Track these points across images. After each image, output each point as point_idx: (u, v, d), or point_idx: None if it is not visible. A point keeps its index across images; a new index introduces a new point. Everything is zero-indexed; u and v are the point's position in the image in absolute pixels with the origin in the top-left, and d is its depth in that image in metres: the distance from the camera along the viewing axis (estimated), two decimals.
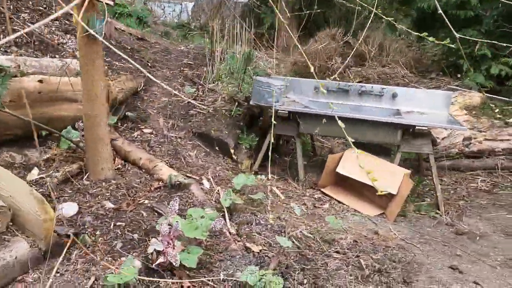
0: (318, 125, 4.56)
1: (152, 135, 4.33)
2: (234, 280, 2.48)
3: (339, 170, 4.42)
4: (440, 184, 5.16)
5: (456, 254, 3.40)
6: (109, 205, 2.94)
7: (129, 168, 3.62)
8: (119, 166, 3.63)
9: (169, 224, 2.51)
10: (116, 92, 4.11)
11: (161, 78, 5.77)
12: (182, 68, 6.29)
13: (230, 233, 3.06)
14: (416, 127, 4.20)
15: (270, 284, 2.39)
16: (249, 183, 3.69)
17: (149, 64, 6.16)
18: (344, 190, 4.56)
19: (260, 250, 2.94)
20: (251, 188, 4.02)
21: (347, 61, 7.46)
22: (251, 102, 4.72)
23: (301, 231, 3.21)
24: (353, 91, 5.07)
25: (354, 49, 6.77)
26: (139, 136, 4.23)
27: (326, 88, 5.13)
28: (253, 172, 4.71)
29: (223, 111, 4.84)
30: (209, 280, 2.47)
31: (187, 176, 3.71)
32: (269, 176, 4.54)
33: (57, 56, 4.44)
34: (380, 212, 4.21)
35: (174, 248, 2.41)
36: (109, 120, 4.08)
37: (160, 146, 4.17)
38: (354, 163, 4.39)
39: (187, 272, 2.49)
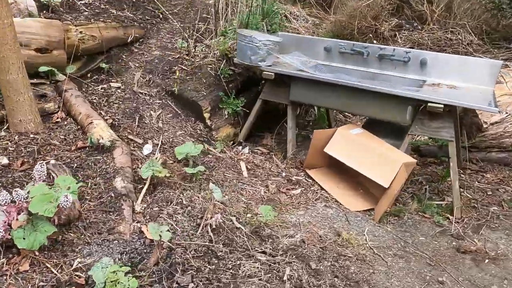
0: (311, 92, 3.71)
1: (118, 90, 3.89)
2: (85, 272, 1.97)
3: (327, 149, 3.58)
4: (478, 182, 4.04)
5: (437, 281, 2.47)
6: (3, 160, 2.58)
7: (67, 123, 3.24)
8: (59, 120, 3.27)
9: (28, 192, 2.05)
10: (76, 38, 3.70)
11: (166, 31, 5.27)
12: (196, 22, 5.70)
13: (134, 211, 2.53)
14: (428, 104, 3.15)
15: (117, 285, 1.83)
16: (194, 152, 3.08)
17: (161, 16, 5.68)
18: (335, 175, 3.72)
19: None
20: (208, 160, 3.41)
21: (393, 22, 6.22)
22: (234, 60, 4.01)
23: (223, 220, 2.55)
24: (371, 54, 4.05)
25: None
26: (102, 90, 3.82)
27: (340, 49, 4.18)
28: (231, 142, 4.07)
29: (209, 68, 4.20)
30: (53, 266, 1.99)
31: (127, 139, 3.22)
32: (244, 149, 3.89)
33: None
34: (368, 208, 3.33)
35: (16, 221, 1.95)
36: (67, 69, 3.72)
37: (120, 102, 3.72)
38: (347, 143, 3.51)
39: (36, 252, 2.04)
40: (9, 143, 2.77)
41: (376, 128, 3.72)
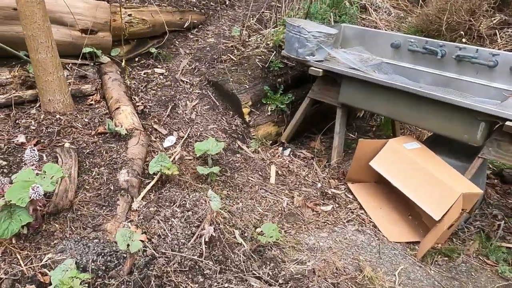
0: (363, 94, 3.20)
1: (161, 76, 3.77)
2: (53, 269, 1.82)
3: (373, 163, 3.05)
4: None
5: None
6: (21, 139, 2.58)
7: (99, 106, 3.20)
8: (93, 102, 3.24)
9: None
10: (124, 21, 3.64)
11: (228, 18, 5.06)
12: (263, 10, 5.40)
13: (130, 208, 2.35)
14: (506, 123, 2.45)
15: None
16: (215, 150, 2.80)
17: (227, 3, 5.49)
18: (383, 194, 3.18)
19: (149, 239, 2.15)
20: (234, 160, 3.13)
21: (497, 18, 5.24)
22: (282, 53, 3.62)
23: (223, 232, 2.24)
24: (447, 54, 3.36)
25: None
26: (144, 75, 3.74)
27: (410, 47, 3.56)
28: (271, 142, 3.72)
29: (257, 60, 3.88)
30: (24, 258, 1.88)
31: (151, 128, 3.07)
32: (284, 151, 3.52)
33: None
34: (412, 240, 2.76)
35: None
36: (112, 51, 3.70)
37: (159, 89, 3.60)
38: (398, 159, 2.96)
39: (13, 240, 1.95)
40: (33, 122, 2.78)
41: (441, 144, 3.07)
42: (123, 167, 2.52)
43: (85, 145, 2.71)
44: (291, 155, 3.62)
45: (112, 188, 2.37)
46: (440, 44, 3.40)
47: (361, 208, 3.00)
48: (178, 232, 2.23)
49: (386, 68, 3.67)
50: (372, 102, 3.17)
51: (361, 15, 5.77)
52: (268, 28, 4.58)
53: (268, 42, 4.11)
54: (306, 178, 3.23)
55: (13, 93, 2.93)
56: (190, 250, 2.13)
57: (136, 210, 2.33)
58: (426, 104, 2.84)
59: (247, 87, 3.68)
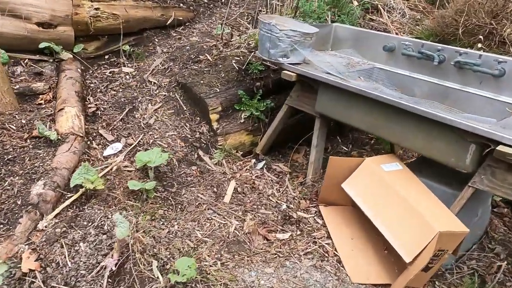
0: (340, 104, 2.76)
1: (127, 76, 3.47)
2: None
3: (345, 185, 2.60)
4: None
5: None
6: None
7: (47, 106, 2.92)
8: (42, 101, 2.97)
9: None
10: (88, 15, 3.36)
11: (219, 16, 4.72)
12: (261, 9, 5.02)
13: (35, 227, 2.03)
14: (497, 148, 1.95)
15: None
16: (157, 162, 2.44)
17: (223, 0, 5.15)
18: (359, 220, 2.71)
19: (43, 268, 1.82)
20: (187, 174, 2.76)
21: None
22: (256, 53, 3.22)
23: (131, 262, 1.87)
24: (446, 60, 2.86)
25: None
26: (109, 74, 3.45)
27: (404, 50, 3.07)
28: (241, 153, 3.32)
29: (234, 61, 3.49)
30: None
31: (96, 133, 2.76)
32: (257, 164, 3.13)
33: None
34: (381, 283, 2.29)
35: None
36: (75, 47, 3.42)
37: (120, 90, 3.29)
38: (373, 182, 2.50)
39: None
40: None
41: (429, 167, 2.58)
42: (42, 178, 2.21)
43: (11, 150, 2.42)
44: (264, 169, 3.21)
45: (19, 202, 2.06)
46: (438, 48, 2.90)
47: (329, 237, 2.56)
48: (81, 261, 1.88)
49: (378, 75, 3.20)
50: (350, 113, 2.71)
51: (371, 16, 5.28)
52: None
53: (250, 42, 3.72)
54: (270, 197, 2.82)
55: None
56: (89, 285, 1.78)
57: (42, 230, 2.01)
58: (407, 118, 2.36)
59: (218, 90, 3.30)
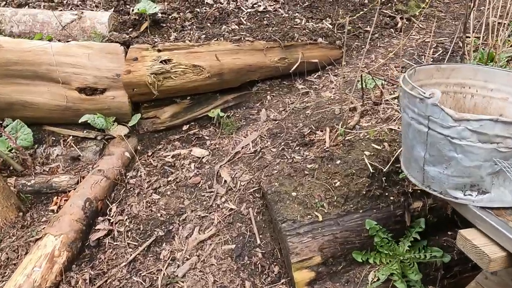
0: None
1: (193, 165, 2.18)
2: None
3: None
4: None
5: None
6: None
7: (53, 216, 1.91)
8: (55, 207, 2.00)
9: None
10: (149, 72, 2.22)
11: (381, 52, 2.98)
12: (461, 35, 2.97)
13: None
14: None
15: None
16: None
17: (398, 24, 3.35)
18: None
19: None
20: None
21: None
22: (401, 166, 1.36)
23: None
24: None
25: None
26: (170, 160, 2.23)
27: None
28: None
29: (366, 152, 1.71)
30: None
31: None
32: None
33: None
34: None
35: None
36: (133, 119, 2.34)
37: (169, 194, 2.01)
38: None
39: None
40: None
41: None
42: None
43: None
44: None
45: None
46: None
47: None
48: None
49: None
50: None
51: None
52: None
53: None
54: None
55: None
56: None
57: None
58: None
59: (320, 218, 1.60)
